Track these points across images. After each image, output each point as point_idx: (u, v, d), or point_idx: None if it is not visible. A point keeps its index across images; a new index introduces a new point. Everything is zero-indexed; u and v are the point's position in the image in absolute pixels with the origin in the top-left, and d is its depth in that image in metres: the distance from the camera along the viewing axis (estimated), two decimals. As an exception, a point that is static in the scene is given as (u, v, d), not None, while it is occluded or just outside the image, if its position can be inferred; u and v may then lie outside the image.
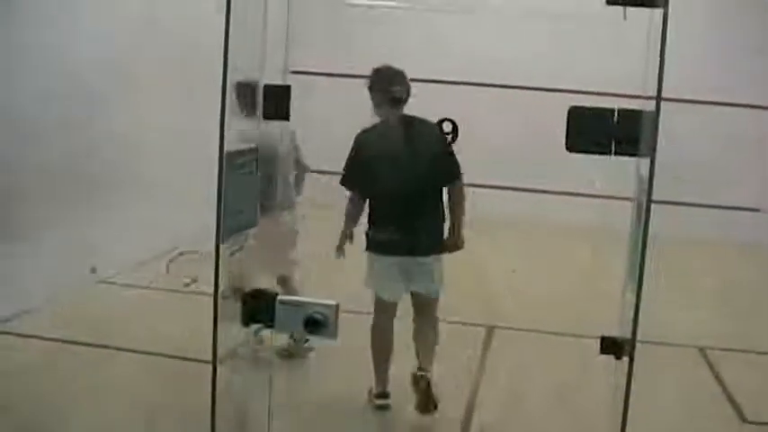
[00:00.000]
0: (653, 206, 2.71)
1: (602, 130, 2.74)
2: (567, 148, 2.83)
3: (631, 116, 2.72)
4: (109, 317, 7.06)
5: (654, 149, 2.62)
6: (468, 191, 5.65)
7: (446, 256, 5.69)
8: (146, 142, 8.58)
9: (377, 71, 5.65)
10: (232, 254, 2.80)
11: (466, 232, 5.68)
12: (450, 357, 6.64)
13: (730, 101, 11.19)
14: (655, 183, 2.66)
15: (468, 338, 7.23)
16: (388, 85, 5.50)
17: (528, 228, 11.25)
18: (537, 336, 7.45)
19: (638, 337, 2.77)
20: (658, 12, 2.57)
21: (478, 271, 8.70)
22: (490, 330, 7.53)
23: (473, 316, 7.62)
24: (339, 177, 5.65)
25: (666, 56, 2.53)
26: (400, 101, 5.48)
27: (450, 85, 11.21)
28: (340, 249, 5.81)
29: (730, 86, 11.18)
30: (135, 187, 8.44)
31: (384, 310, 5.74)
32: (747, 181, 11.26)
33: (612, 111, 2.74)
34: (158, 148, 8.59)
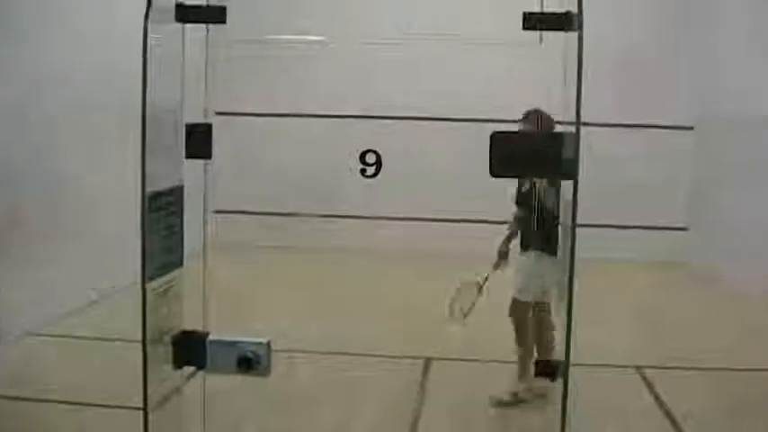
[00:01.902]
0: (581, 229, 2.73)
1: (525, 154, 2.77)
2: (492, 174, 2.84)
3: (553, 139, 2.75)
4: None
5: (576, 171, 2.65)
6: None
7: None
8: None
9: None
10: (159, 295, 2.75)
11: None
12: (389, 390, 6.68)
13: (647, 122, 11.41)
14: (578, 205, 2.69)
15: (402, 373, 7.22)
16: (521, 121, 5.97)
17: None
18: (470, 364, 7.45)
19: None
20: (573, 35, 2.60)
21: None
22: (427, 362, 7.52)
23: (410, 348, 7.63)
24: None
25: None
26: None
27: (371, 119, 11.17)
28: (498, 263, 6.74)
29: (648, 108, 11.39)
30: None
31: None
32: (672, 201, 11.46)
33: (534, 134, 2.77)
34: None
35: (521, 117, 6.09)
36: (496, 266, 6.80)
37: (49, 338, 7.76)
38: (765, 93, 9.80)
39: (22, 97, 7.70)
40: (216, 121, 2.98)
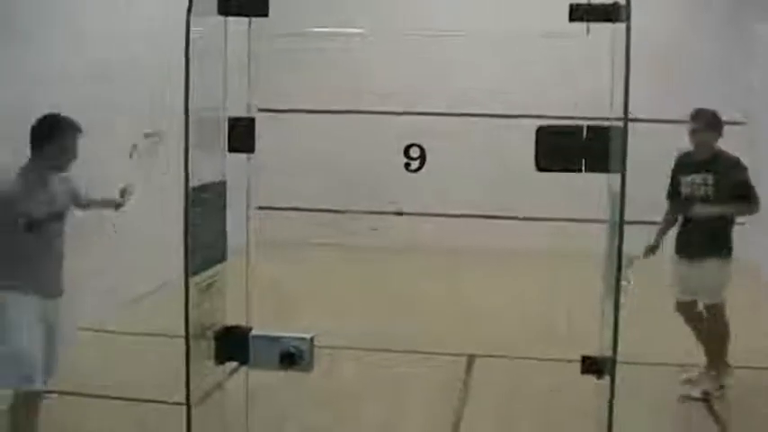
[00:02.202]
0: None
1: (571, 148, 2.72)
2: (538, 168, 2.80)
3: (600, 132, 2.70)
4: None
5: (624, 164, 2.60)
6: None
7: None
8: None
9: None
10: (202, 290, 2.74)
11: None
12: (433, 388, 6.65)
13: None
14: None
15: (450, 369, 7.18)
16: (690, 120, 6.60)
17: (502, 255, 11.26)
18: (520, 362, 7.39)
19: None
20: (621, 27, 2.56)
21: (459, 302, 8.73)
22: (471, 359, 7.47)
23: (455, 346, 7.58)
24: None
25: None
26: (695, 132, 6.54)
27: (419, 115, 11.13)
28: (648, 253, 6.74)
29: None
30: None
31: None
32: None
33: (581, 128, 2.72)
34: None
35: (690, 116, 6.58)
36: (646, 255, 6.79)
37: (97, 333, 7.80)
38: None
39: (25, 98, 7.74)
40: (260, 118, 2.97)
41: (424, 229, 11.79)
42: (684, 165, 6.74)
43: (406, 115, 10.75)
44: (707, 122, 6.60)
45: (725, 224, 6.57)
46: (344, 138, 11.91)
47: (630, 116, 2.56)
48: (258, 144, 2.97)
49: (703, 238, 6.58)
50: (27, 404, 4.71)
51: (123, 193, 5.39)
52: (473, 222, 11.93)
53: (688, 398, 6.56)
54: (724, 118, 6.81)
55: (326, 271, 10.16)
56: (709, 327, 6.67)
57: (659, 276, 6.80)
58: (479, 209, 11.85)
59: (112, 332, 7.89)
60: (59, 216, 4.79)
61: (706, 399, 6.49)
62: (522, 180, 10.08)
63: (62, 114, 4.80)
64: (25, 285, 4.63)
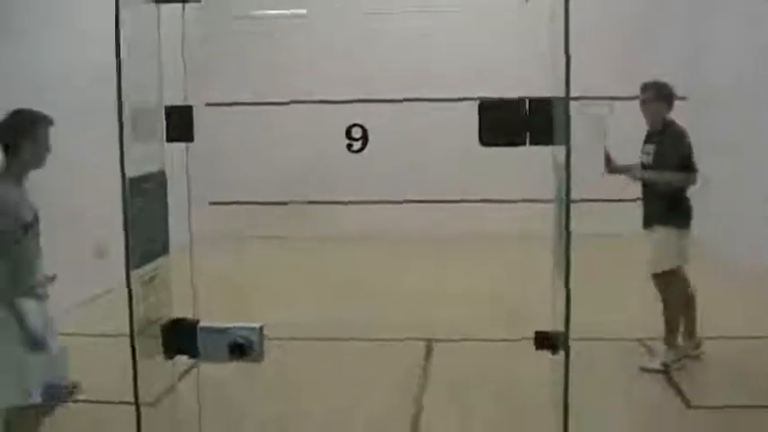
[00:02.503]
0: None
1: (514, 122, 2.69)
2: (482, 143, 2.77)
3: (541, 104, 2.68)
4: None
5: (568, 136, 2.58)
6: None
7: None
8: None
9: None
10: (145, 283, 2.67)
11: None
12: (390, 374, 6.63)
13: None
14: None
15: (409, 355, 7.16)
16: (640, 92, 6.80)
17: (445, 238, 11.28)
18: (477, 344, 7.39)
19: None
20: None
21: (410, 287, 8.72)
22: (429, 344, 7.46)
23: (412, 332, 7.57)
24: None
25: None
26: (644, 103, 6.77)
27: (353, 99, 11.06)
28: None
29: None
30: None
31: None
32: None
33: (523, 101, 2.69)
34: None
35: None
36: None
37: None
38: (760, 61, 9.71)
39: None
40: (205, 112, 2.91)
41: (371, 217, 11.79)
42: (646, 135, 6.88)
43: (348, 103, 10.64)
44: (656, 94, 6.70)
45: (672, 194, 6.63)
46: (286, 128, 11.84)
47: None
48: (199, 137, 2.91)
49: (652, 208, 6.75)
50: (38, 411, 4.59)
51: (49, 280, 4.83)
52: (422, 208, 11.93)
53: (646, 370, 6.62)
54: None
55: (274, 263, 10.09)
56: (663, 297, 6.73)
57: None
58: (427, 194, 11.85)
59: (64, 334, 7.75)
60: (37, 216, 4.63)
61: (665, 371, 6.55)
62: (469, 162, 10.19)
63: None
64: (32, 290, 4.51)
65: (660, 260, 6.70)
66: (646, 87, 6.75)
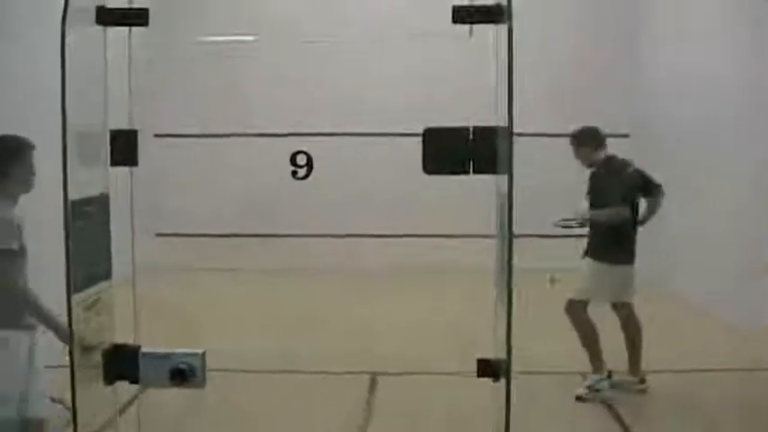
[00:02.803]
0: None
1: (458, 150, 2.72)
2: (426, 171, 2.79)
3: (486, 133, 2.71)
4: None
5: (510, 165, 2.61)
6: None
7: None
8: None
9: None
10: (87, 308, 2.64)
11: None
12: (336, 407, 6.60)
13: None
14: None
15: (352, 388, 7.14)
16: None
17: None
18: (421, 377, 7.40)
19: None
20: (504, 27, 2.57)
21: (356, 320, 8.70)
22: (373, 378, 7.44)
23: (356, 365, 7.55)
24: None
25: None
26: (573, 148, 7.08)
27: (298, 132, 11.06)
28: None
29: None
30: None
31: None
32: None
33: (467, 129, 2.72)
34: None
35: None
36: None
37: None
38: (699, 96, 9.90)
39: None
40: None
41: (317, 250, 11.79)
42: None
43: (293, 136, 10.63)
44: (578, 140, 7.08)
45: (607, 230, 6.81)
46: (232, 158, 11.82)
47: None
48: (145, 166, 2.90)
49: (590, 240, 7.09)
50: None
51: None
52: (365, 242, 11.92)
53: (579, 398, 6.72)
54: (607, 130, 7.11)
55: (220, 294, 10.02)
56: (574, 327, 6.98)
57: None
58: (370, 228, 11.85)
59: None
60: None
61: (609, 403, 6.64)
62: (412, 198, 10.23)
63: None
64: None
65: (580, 290, 6.97)
66: (572, 135, 7.07)
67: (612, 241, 6.83)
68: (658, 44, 11.44)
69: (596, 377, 6.86)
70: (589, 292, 6.97)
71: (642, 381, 6.94)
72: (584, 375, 7.17)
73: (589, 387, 6.80)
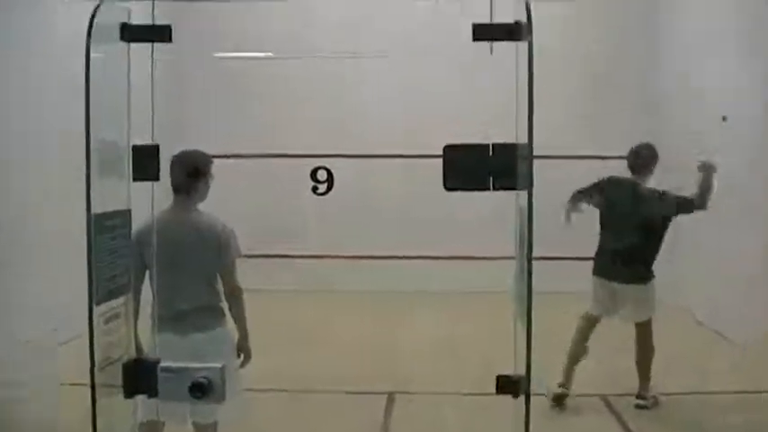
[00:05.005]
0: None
1: (478, 166, 2.73)
2: (446, 188, 2.80)
3: (507, 149, 2.72)
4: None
5: (531, 181, 2.62)
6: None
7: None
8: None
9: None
10: (107, 321, 2.66)
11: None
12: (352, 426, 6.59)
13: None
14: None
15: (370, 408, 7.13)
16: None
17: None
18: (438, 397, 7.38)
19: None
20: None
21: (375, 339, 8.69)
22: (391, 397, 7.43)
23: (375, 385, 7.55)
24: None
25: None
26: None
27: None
28: None
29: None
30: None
31: None
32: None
33: (487, 146, 2.73)
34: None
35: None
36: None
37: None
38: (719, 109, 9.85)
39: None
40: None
41: (338, 270, 11.77)
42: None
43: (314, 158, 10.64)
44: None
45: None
46: (252, 177, 11.83)
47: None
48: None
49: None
50: None
51: None
52: (387, 263, 11.89)
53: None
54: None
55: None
56: None
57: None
58: (393, 249, 11.83)
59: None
60: None
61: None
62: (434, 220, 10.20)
63: None
64: None
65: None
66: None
67: (625, 261, 6.86)
68: (680, 57, 11.40)
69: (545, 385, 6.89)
70: (595, 309, 7.10)
71: (644, 398, 7.02)
72: (604, 399, 7.18)
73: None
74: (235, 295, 5.04)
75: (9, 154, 7.84)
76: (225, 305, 5.02)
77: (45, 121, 8.30)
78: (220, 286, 4.99)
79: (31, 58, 8.26)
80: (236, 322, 5.09)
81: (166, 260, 4.15)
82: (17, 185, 7.89)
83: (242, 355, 5.06)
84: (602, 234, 7.08)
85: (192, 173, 4.88)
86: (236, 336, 5.07)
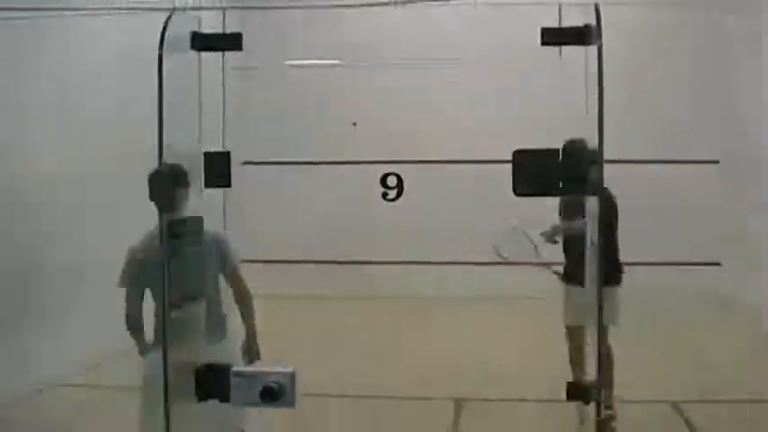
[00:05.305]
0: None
1: (548, 171, 2.71)
2: (516, 194, 2.79)
3: (576, 153, 2.70)
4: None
5: (601, 185, 2.60)
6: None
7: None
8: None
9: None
10: (183, 324, 2.70)
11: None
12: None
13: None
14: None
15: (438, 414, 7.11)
16: None
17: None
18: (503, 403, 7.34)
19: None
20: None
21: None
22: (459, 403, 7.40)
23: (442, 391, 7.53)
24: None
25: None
26: None
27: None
28: None
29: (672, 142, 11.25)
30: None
31: None
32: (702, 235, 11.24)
33: (557, 150, 2.71)
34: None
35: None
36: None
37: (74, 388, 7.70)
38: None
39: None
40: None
41: (403, 276, 11.75)
42: None
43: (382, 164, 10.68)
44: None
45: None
46: (319, 185, 11.87)
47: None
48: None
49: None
50: None
51: None
52: (450, 269, 11.83)
53: None
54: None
55: (304, 320, 10.06)
56: None
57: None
58: (456, 256, 11.77)
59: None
60: None
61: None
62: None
63: None
64: None
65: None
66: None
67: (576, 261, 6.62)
68: (753, 72, 11.20)
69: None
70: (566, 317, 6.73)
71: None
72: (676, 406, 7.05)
73: None
74: (245, 300, 5.04)
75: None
76: (227, 314, 4.98)
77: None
78: (222, 296, 4.95)
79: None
80: (245, 325, 5.07)
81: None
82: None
83: (247, 358, 5.03)
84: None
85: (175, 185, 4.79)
86: (238, 343, 5.04)
